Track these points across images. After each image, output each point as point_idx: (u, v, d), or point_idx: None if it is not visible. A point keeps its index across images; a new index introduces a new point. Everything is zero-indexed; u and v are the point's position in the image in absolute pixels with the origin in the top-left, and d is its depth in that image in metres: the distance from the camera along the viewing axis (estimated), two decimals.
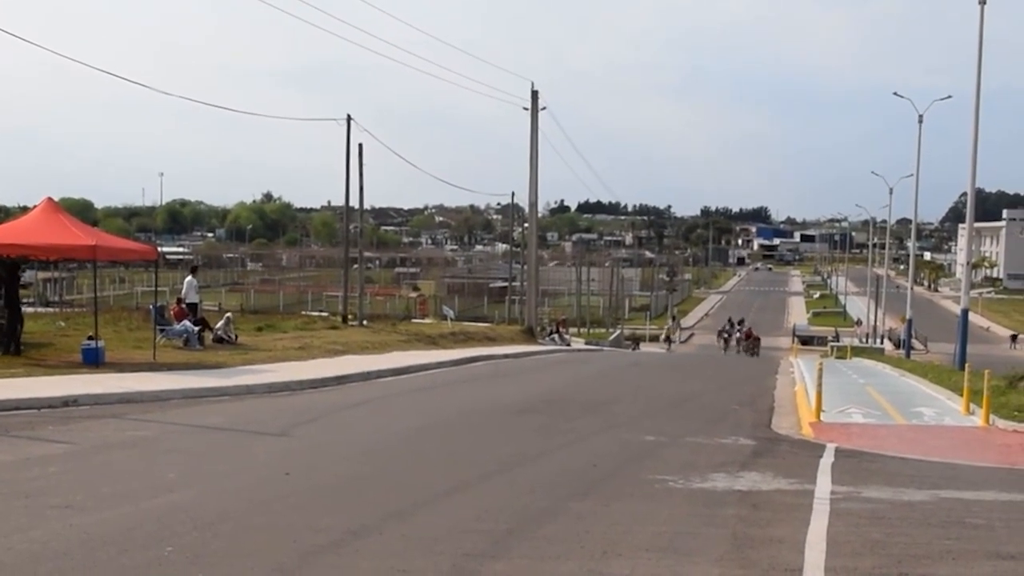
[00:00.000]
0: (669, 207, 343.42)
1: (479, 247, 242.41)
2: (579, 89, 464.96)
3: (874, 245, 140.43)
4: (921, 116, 67.06)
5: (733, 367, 43.18)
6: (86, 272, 62.09)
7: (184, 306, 30.74)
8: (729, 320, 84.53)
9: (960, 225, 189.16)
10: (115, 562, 8.28)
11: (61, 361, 23.79)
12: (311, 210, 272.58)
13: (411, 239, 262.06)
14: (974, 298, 55.52)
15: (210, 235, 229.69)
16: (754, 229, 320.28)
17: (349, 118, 45.96)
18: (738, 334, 76.81)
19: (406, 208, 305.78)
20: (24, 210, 45.16)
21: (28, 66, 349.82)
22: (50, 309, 49.85)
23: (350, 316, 47.09)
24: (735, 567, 8.75)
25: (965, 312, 39.76)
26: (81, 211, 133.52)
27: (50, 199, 25.34)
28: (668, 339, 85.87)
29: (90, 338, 23.99)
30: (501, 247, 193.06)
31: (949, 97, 69.40)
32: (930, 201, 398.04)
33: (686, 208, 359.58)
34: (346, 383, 24.50)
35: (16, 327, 24.69)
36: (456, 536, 9.55)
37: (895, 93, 68.02)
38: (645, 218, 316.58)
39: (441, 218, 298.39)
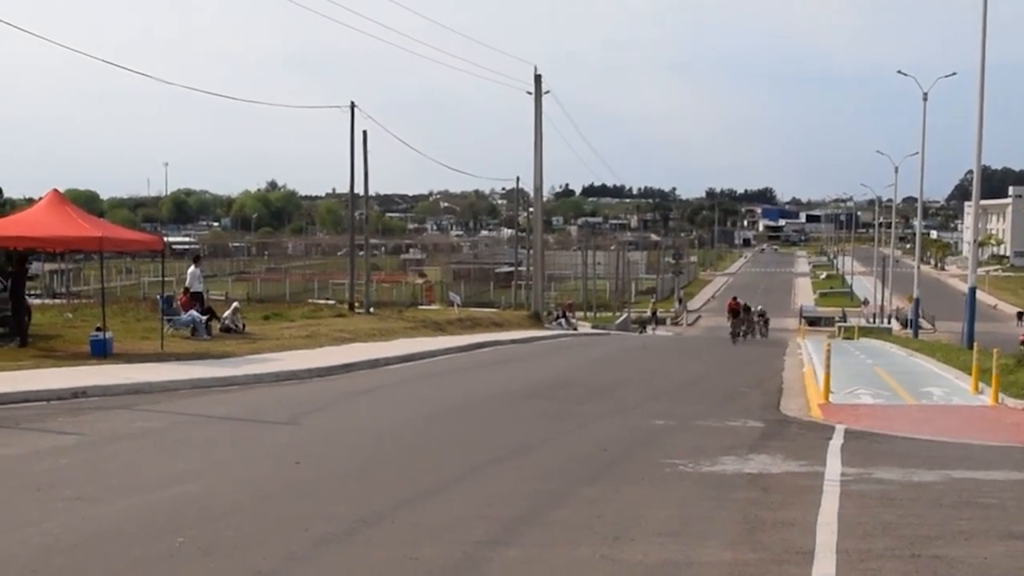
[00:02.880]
0: (674, 189, 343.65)
1: (484, 232, 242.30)
2: (581, 71, 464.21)
3: (880, 224, 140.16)
4: (926, 94, 66.87)
5: (740, 349, 43.09)
6: (93, 263, 61.97)
7: (190, 295, 30.74)
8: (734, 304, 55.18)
9: (966, 203, 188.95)
10: (127, 554, 8.28)
11: (69, 352, 23.79)
12: (316, 198, 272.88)
13: (416, 225, 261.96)
14: (981, 276, 55.64)
15: (215, 224, 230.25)
16: (759, 210, 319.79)
17: (353, 105, 45.93)
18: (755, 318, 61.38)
19: (411, 194, 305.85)
20: (30, 202, 45.26)
21: (31, 57, 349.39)
22: (57, 300, 49.92)
23: (356, 303, 47.09)
24: (747, 550, 8.74)
25: (973, 290, 39.70)
26: (87, 202, 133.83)
27: (56, 191, 25.35)
28: (655, 317, 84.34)
29: (98, 329, 23.98)
30: (506, 232, 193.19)
31: (954, 74, 69.28)
32: (936, 179, 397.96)
33: (691, 190, 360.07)
34: (354, 371, 24.49)
35: (23, 319, 24.69)
36: (467, 523, 9.55)
37: (899, 72, 67.94)
38: (650, 201, 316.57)
39: (446, 204, 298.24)
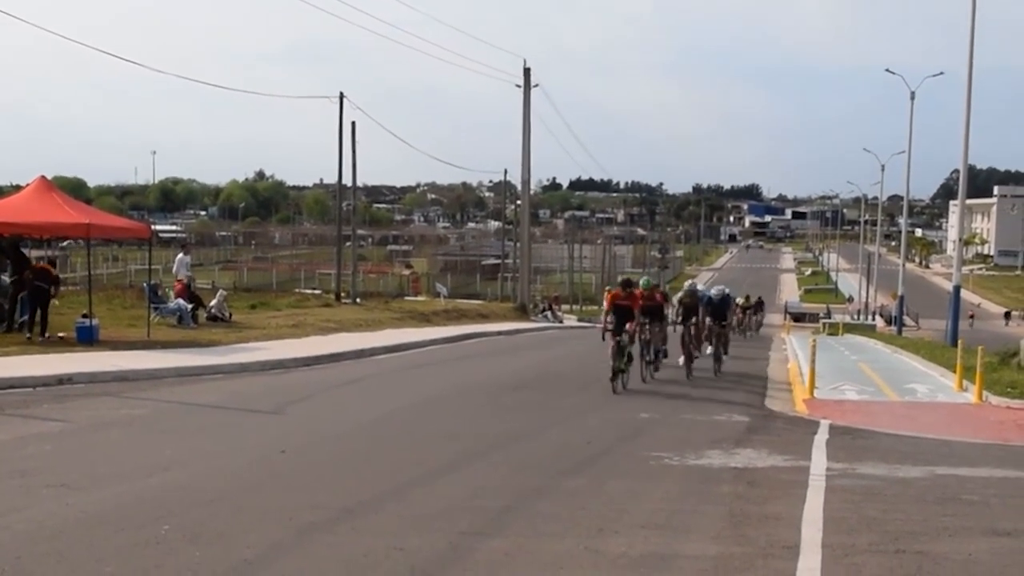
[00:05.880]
0: (661, 184, 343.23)
1: (471, 225, 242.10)
2: (571, 67, 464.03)
3: (865, 222, 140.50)
4: (913, 93, 67.21)
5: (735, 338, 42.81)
6: (79, 250, 61.71)
7: (185, 283, 30.81)
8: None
9: (951, 202, 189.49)
10: (112, 541, 8.27)
11: (55, 339, 23.72)
12: (303, 188, 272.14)
13: (403, 217, 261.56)
14: (965, 274, 55.46)
15: (203, 213, 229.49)
16: (745, 206, 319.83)
17: (342, 96, 46.00)
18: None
19: (398, 186, 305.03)
20: (16, 188, 45.15)
21: (19, 42, 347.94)
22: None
23: (343, 294, 47.12)
24: (732, 544, 8.75)
25: (957, 289, 39.89)
26: (74, 189, 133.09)
27: (43, 177, 25.29)
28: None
29: (84, 316, 23.94)
30: (493, 224, 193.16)
31: (941, 74, 70.03)
32: (921, 178, 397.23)
33: (678, 185, 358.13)
34: (340, 361, 24.50)
35: (36, 307, 24.13)
36: (452, 514, 9.55)
37: (887, 70, 68.24)
38: (637, 195, 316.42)
39: (433, 196, 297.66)
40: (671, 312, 28.89)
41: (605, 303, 22.69)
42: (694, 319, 25.66)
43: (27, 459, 11.45)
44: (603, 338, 20.97)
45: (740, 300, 52.02)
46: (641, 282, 24.46)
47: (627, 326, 20.96)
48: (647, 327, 22.90)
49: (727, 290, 31.49)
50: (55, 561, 7.73)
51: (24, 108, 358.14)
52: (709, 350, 26.52)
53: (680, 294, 26.63)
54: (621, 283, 22.70)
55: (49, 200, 24.01)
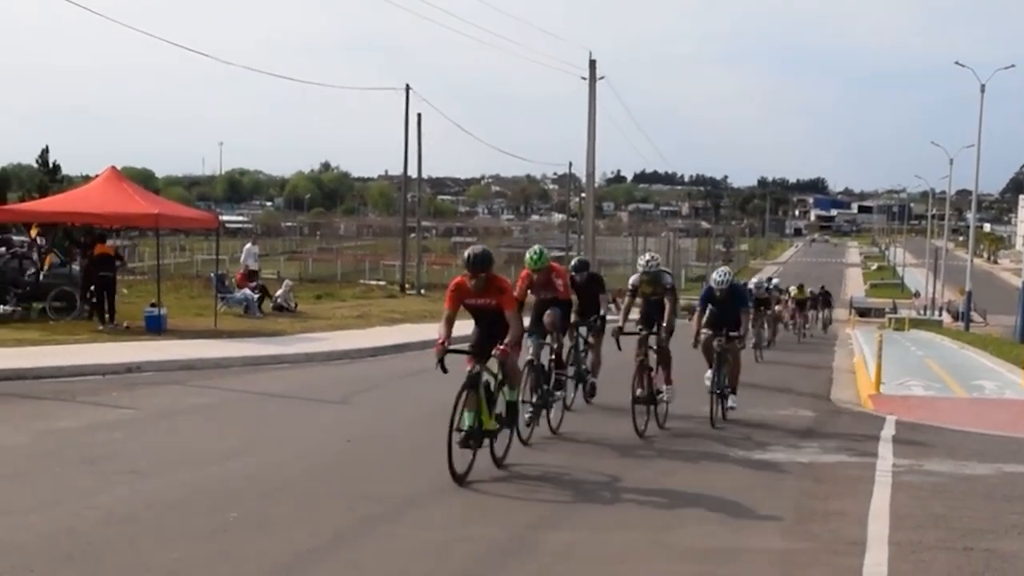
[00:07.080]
0: (725, 177, 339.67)
1: (535, 217, 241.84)
2: (635, 60, 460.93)
3: (933, 216, 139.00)
4: (983, 86, 66.03)
5: (790, 339, 42.20)
6: (148, 240, 62.51)
7: (246, 274, 31.12)
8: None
9: (1020, 196, 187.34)
10: (181, 527, 8.37)
11: (123, 327, 24.00)
12: (368, 179, 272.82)
13: (467, 209, 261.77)
14: None
15: (269, 204, 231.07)
16: (811, 200, 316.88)
17: (408, 88, 46.27)
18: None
19: (463, 178, 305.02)
20: (87, 179, 45.70)
21: (88, 36, 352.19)
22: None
23: (407, 285, 47.33)
24: (798, 539, 8.72)
25: None
26: (143, 180, 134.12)
27: (113, 168, 25.62)
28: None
29: (153, 305, 24.21)
30: (557, 217, 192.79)
31: (1012, 66, 68.25)
32: (990, 172, 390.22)
33: (742, 179, 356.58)
34: (404, 351, 24.54)
35: (103, 295, 24.46)
36: (516, 506, 9.58)
37: (957, 62, 67.06)
38: (701, 188, 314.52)
39: (497, 188, 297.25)
40: (613, 309, 18.93)
41: (446, 302, 12.29)
42: (656, 327, 14.80)
43: (97, 446, 11.62)
44: (442, 367, 11.38)
45: (793, 290, 42.08)
46: (527, 256, 14.21)
47: (495, 349, 11.53)
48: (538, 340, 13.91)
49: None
50: (125, 546, 7.85)
51: (94, 100, 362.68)
52: (727, 406, 16.10)
53: (633, 277, 15.33)
54: (468, 261, 11.48)
55: (119, 190, 24.33)
